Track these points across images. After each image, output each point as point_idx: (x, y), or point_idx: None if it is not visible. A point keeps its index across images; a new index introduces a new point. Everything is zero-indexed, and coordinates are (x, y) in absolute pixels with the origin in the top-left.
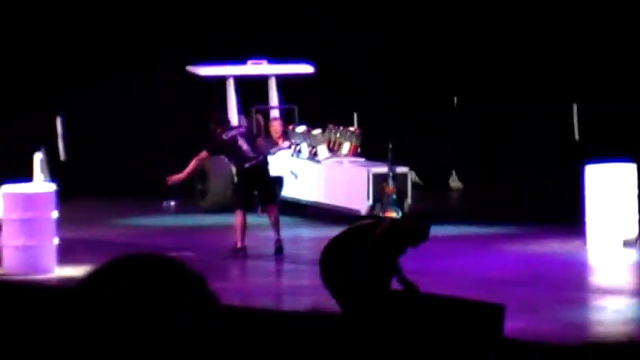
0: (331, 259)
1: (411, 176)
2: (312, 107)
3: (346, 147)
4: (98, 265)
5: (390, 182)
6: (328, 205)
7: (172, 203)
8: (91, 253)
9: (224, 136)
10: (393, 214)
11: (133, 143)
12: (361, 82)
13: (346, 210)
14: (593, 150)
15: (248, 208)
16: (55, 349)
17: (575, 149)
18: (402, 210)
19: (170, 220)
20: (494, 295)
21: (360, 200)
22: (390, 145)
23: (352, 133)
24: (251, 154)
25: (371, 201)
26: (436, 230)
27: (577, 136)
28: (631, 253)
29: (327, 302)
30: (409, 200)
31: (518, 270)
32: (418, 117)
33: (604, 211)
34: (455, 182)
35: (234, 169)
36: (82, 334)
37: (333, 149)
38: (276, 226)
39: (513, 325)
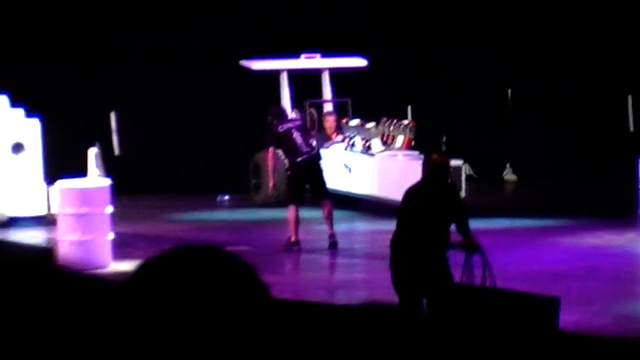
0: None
1: (465, 169)
2: (365, 101)
3: (400, 140)
4: (150, 256)
5: None
6: (382, 198)
7: (226, 197)
8: (146, 248)
9: (279, 128)
10: None
11: (187, 138)
12: (415, 75)
13: (399, 203)
14: None
15: (301, 201)
16: (107, 340)
17: (631, 140)
18: None
19: (224, 214)
20: (549, 288)
21: None
22: (444, 138)
23: (406, 126)
24: (304, 148)
25: None
26: (491, 223)
27: (632, 127)
28: None
29: (383, 296)
30: (463, 193)
31: (572, 263)
32: (472, 109)
33: None
34: (509, 175)
35: (287, 163)
36: (135, 325)
37: (387, 142)
38: (329, 220)
39: (568, 319)
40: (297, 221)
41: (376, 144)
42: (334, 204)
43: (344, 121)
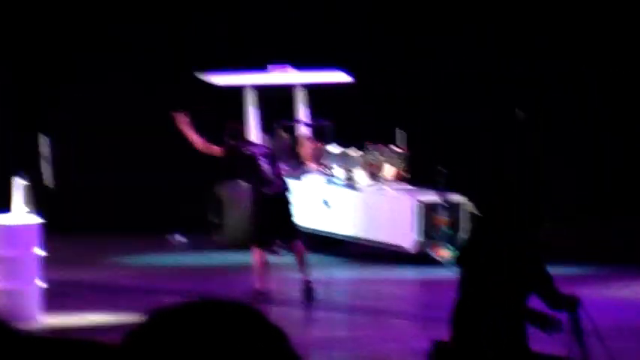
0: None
1: (468, 206)
2: (348, 124)
3: (389, 171)
4: (160, 311)
5: (442, 213)
6: (368, 240)
7: (180, 238)
8: (84, 299)
9: (243, 150)
10: (445, 252)
11: (134, 167)
12: (407, 95)
13: (389, 246)
14: None
15: (268, 243)
16: None
17: None
18: (457, 246)
19: (178, 258)
20: (572, 350)
21: (405, 235)
22: (442, 170)
23: (396, 154)
24: (272, 178)
25: (418, 236)
26: None
27: None
28: None
29: (367, 358)
30: (464, 235)
31: (599, 318)
32: (476, 136)
33: None
34: None
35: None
36: None
37: (374, 173)
38: (302, 265)
39: None
40: (265, 267)
41: (361, 175)
42: (310, 246)
43: (322, 146)
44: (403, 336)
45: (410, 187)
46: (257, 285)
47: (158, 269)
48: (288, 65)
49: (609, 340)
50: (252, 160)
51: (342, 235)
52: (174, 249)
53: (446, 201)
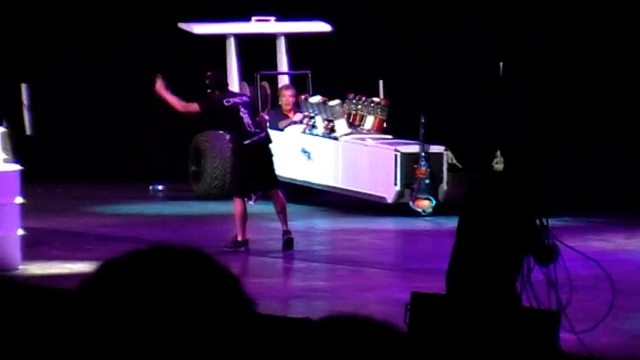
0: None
1: (448, 157)
2: (329, 73)
3: (370, 121)
4: (113, 257)
5: (423, 164)
6: (347, 190)
7: (160, 187)
8: (63, 247)
9: (224, 102)
10: (424, 203)
11: (114, 117)
12: (388, 44)
13: (369, 197)
14: None
15: (248, 193)
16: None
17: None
18: (437, 197)
19: (157, 207)
20: (548, 300)
21: (385, 185)
22: (423, 120)
23: (377, 104)
24: (253, 129)
25: (399, 186)
26: None
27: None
28: None
29: (346, 307)
30: (445, 186)
31: (576, 271)
32: (457, 86)
33: None
34: (500, 165)
35: (230, 146)
36: (97, 340)
37: (354, 124)
38: (282, 214)
39: (570, 336)
40: (245, 217)
41: (341, 126)
42: (289, 196)
43: (303, 97)
44: (382, 286)
45: (390, 137)
46: (238, 235)
47: (137, 217)
48: (271, 16)
49: (584, 292)
50: (233, 110)
51: (321, 186)
52: (154, 199)
53: (426, 152)
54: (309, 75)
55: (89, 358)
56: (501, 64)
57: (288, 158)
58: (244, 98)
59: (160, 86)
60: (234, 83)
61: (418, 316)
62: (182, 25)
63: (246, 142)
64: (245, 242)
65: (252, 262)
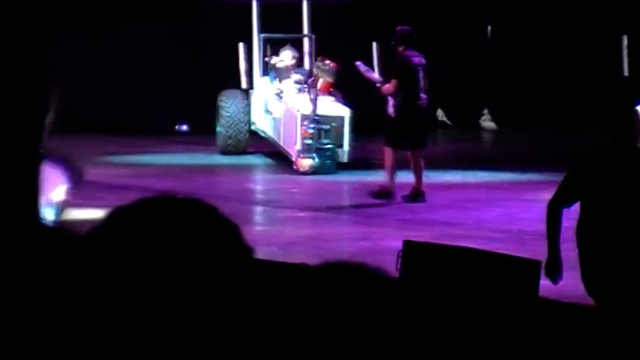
0: None
1: (438, 115)
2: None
3: (319, 83)
4: (121, 205)
5: (306, 124)
6: (282, 148)
7: (185, 128)
8: (74, 196)
9: (411, 60)
10: (304, 164)
11: (135, 71)
12: (382, 9)
13: (289, 155)
14: None
15: (401, 146)
16: (75, 298)
17: (625, 86)
18: (333, 159)
19: (171, 158)
20: (529, 250)
21: (291, 145)
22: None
23: (326, 66)
24: (423, 91)
25: (299, 146)
26: (466, 176)
27: (627, 72)
28: None
29: (340, 254)
30: (346, 148)
31: None
32: (446, 46)
33: None
34: (487, 122)
35: (390, 103)
36: (105, 283)
37: (313, 85)
38: (419, 174)
39: (550, 284)
40: (395, 168)
41: (289, 86)
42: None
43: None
44: (374, 235)
45: (332, 99)
46: (387, 183)
47: (150, 168)
48: None
49: (565, 243)
50: (414, 70)
51: (273, 140)
52: (175, 145)
53: (320, 114)
54: (313, 38)
55: (99, 299)
56: (489, 26)
57: (260, 113)
58: (422, 60)
59: (364, 72)
60: (259, 51)
61: (410, 263)
62: None
63: (417, 103)
64: (391, 193)
65: (255, 211)
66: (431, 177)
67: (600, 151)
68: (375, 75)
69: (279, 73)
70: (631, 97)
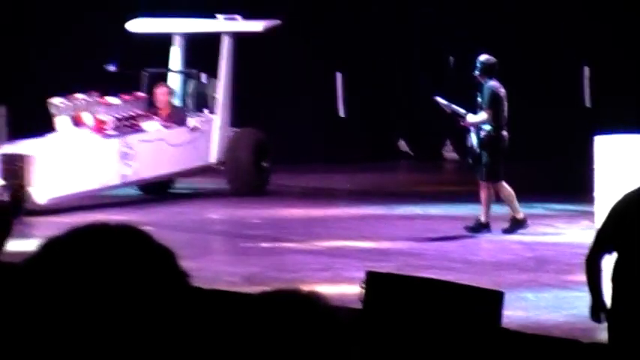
0: None
1: (400, 145)
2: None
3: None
4: (55, 235)
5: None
6: None
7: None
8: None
9: (500, 91)
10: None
11: None
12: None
13: None
14: (606, 118)
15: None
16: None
17: (586, 116)
18: (20, 203)
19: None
20: (492, 281)
21: None
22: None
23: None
24: (506, 120)
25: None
26: (428, 207)
27: (588, 102)
28: None
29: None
30: (30, 190)
31: (518, 253)
32: (408, 77)
33: (615, 187)
34: (449, 152)
35: (471, 134)
36: (36, 313)
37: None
38: (488, 206)
39: (512, 315)
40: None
41: (64, 122)
42: None
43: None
44: (335, 265)
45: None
46: (483, 216)
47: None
48: (239, 14)
49: (527, 273)
50: (502, 100)
51: None
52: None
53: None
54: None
55: (32, 327)
56: (451, 58)
57: None
58: (503, 90)
59: (447, 106)
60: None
61: (373, 294)
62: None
63: (503, 133)
64: (489, 225)
65: (216, 243)
66: (393, 207)
67: (634, 196)
68: (457, 107)
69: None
70: (592, 128)
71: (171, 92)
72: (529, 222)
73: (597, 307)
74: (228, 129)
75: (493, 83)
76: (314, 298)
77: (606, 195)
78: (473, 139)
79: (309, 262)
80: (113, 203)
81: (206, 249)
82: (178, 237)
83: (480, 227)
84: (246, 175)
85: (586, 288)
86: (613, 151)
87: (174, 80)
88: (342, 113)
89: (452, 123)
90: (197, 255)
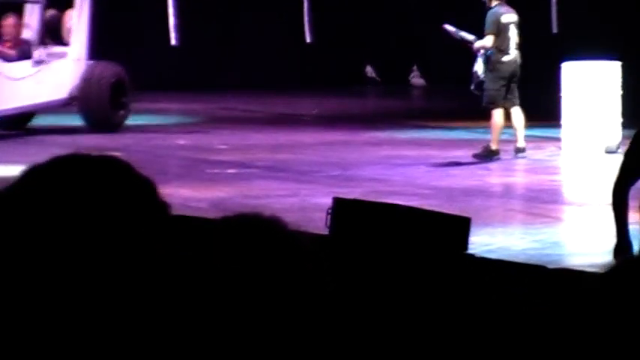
0: None
1: (368, 71)
2: None
3: None
4: (36, 163)
5: None
6: None
7: None
8: None
9: (503, 18)
10: None
11: None
12: None
13: None
14: (572, 45)
15: (505, 103)
16: None
17: (553, 43)
18: None
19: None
20: (459, 207)
21: None
22: None
23: None
24: (516, 47)
25: None
26: (395, 132)
27: (555, 29)
28: (612, 162)
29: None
30: None
31: (485, 179)
32: (374, 4)
33: (582, 113)
34: (416, 78)
35: (478, 60)
36: (16, 241)
37: None
38: (521, 130)
39: (479, 241)
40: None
41: None
42: None
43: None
44: (302, 192)
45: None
46: (493, 144)
47: None
48: None
49: (495, 199)
50: (506, 28)
51: None
52: None
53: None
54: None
55: (13, 255)
56: None
57: None
58: (515, 17)
59: (455, 33)
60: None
61: (339, 220)
62: None
63: (504, 59)
64: (498, 152)
65: (182, 169)
66: (359, 133)
67: None
68: (465, 33)
69: None
70: (560, 55)
71: (20, 24)
72: (500, 156)
73: (621, 247)
74: (83, 62)
75: (497, 9)
76: (274, 222)
77: (573, 121)
78: (479, 65)
79: (276, 188)
80: None
81: (172, 174)
82: (147, 162)
83: (490, 154)
84: (100, 112)
85: (553, 212)
86: (580, 77)
87: (33, 12)
88: (308, 38)
89: (419, 49)
90: (163, 181)
